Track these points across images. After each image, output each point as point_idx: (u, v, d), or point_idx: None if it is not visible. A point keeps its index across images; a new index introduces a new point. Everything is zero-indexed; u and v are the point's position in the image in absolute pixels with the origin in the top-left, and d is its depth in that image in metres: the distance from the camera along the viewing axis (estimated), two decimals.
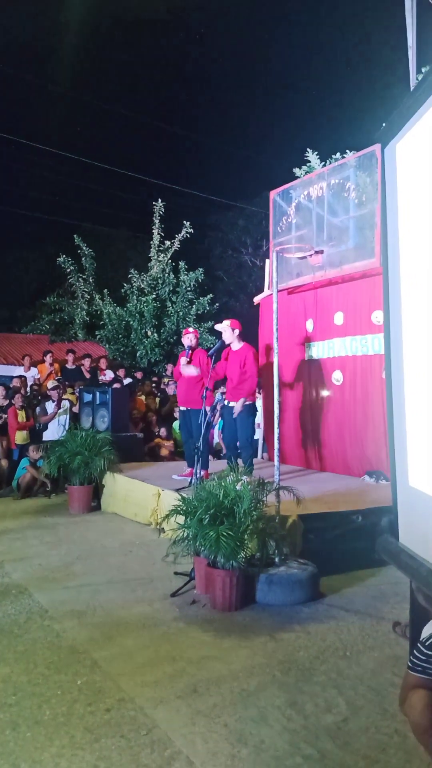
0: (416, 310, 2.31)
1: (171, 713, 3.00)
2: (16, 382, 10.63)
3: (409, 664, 2.34)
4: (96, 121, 28.63)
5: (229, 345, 6.94)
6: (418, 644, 2.36)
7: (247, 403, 6.75)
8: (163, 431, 10.60)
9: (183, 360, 7.16)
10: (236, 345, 6.91)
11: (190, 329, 7.60)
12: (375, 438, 7.02)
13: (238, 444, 6.92)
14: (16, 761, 2.61)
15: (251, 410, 6.84)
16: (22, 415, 9.57)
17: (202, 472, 6.56)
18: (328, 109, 31.95)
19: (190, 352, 7.14)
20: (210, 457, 8.25)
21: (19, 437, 9.48)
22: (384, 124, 2.65)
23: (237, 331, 6.89)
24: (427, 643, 2.32)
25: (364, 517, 5.35)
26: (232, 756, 2.66)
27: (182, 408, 7.34)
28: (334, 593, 4.70)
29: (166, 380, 12.46)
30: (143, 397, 11.32)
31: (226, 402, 7.05)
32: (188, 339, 7.23)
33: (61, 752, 2.68)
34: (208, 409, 6.57)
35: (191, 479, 6.46)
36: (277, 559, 4.70)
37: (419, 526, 2.29)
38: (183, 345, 7.42)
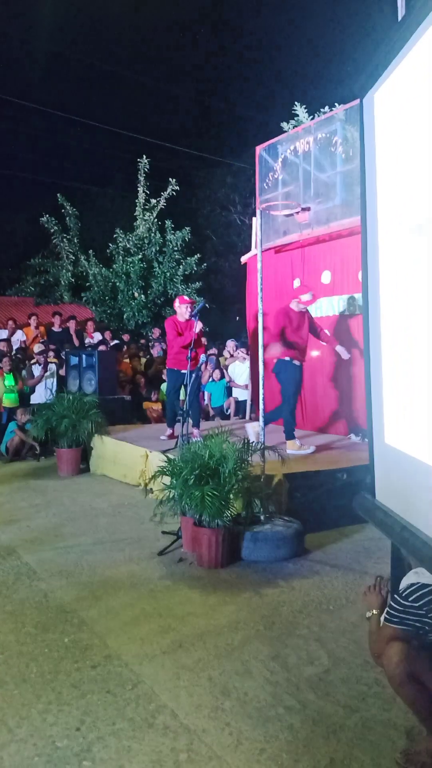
0: (393, 268, 2.27)
1: (156, 668, 3.06)
2: (2, 346, 10.55)
3: (386, 616, 2.39)
4: (79, 77, 27.70)
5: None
6: (395, 596, 2.40)
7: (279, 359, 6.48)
8: (154, 395, 10.57)
9: (199, 326, 6.92)
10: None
11: (186, 297, 7.52)
12: (361, 397, 7.03)
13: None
14: (4, 718, 2.67)
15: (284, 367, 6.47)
16: (9, 379, 9.52)
17: (195, 431, 6.63)
18: (319, 61, 31.02)
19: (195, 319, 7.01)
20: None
21: (7, 400, 9.45)
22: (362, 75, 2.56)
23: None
24: (403, 594, 2.36)
25: (349, 475, 5.40)
26: (216, 708, 2.73)
27: (184, 371, 7.11)
28: (319, 549, 4.78)
29: (151, 342, 12.39)
30: (129, 360, 11.27)
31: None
32: (188, 308, 7.14)
33: (48, 708, 2.73)
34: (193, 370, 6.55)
35: (177, 440, 6.48)
36: (262, 517, 4.76)
37: (394, 483, 2.30)
38: (174, 309, 7.34)
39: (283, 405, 6.52)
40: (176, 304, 7.35)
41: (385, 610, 2.44)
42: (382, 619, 2.44)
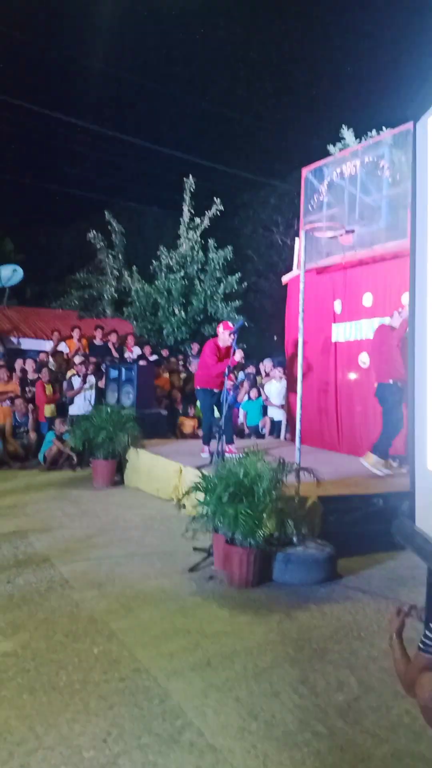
0: None
1: (184, 685, 3.05)
2: (42, 357, 10.80)
3: (421, 646, 2.33)
4: (128, 97, 28.38)
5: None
6: (430, 624, 2.35)
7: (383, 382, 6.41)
8: (191, 410, 10.63)
9: (239, 354, 7.04)
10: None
11: (230, 324, 7.54)
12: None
13: None
14: (32, 724, 2.69)
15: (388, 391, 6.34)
16: (49, 389, 9.72)
17: (228, 447, 6.65)
18: (367, 84, 31.10)
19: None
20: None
21: (47, 410, 9.64)
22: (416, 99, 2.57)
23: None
24: None
25: (385, 501, 5.32)
26: (242, 729, 2.70)
27: (217, 390, 7.20)
28: (352, 574, 4.71)
29: (189, 358, 12.46)
30: (167, 375, 11.37)
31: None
32: (231, 335, 7.03)
33: (76, 717, 2.74)
34: (230, 385, 6.62)
35: (212, 457, 6.50)
36: (295, 539, 4.71)
37: None
38: (216, 332, 7.47)
39: (389, 428, 6.37)
40: (219, 329, 7.41)
41: (420, 639, 2.38)
42: (415, 648, 2.39)
